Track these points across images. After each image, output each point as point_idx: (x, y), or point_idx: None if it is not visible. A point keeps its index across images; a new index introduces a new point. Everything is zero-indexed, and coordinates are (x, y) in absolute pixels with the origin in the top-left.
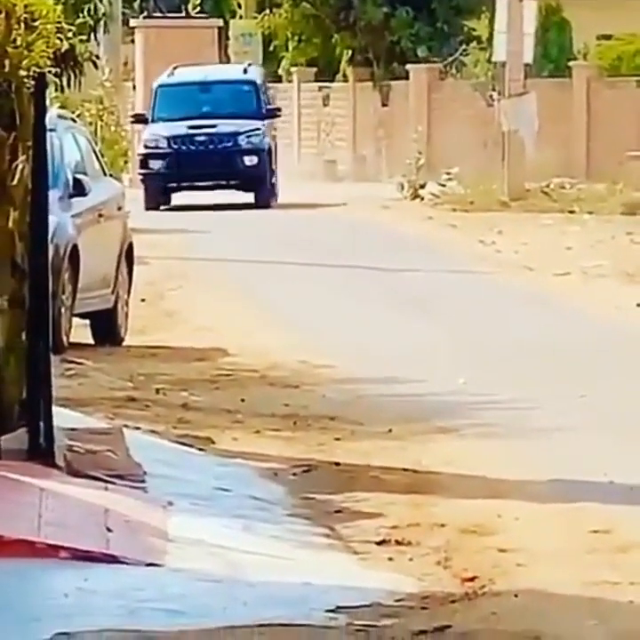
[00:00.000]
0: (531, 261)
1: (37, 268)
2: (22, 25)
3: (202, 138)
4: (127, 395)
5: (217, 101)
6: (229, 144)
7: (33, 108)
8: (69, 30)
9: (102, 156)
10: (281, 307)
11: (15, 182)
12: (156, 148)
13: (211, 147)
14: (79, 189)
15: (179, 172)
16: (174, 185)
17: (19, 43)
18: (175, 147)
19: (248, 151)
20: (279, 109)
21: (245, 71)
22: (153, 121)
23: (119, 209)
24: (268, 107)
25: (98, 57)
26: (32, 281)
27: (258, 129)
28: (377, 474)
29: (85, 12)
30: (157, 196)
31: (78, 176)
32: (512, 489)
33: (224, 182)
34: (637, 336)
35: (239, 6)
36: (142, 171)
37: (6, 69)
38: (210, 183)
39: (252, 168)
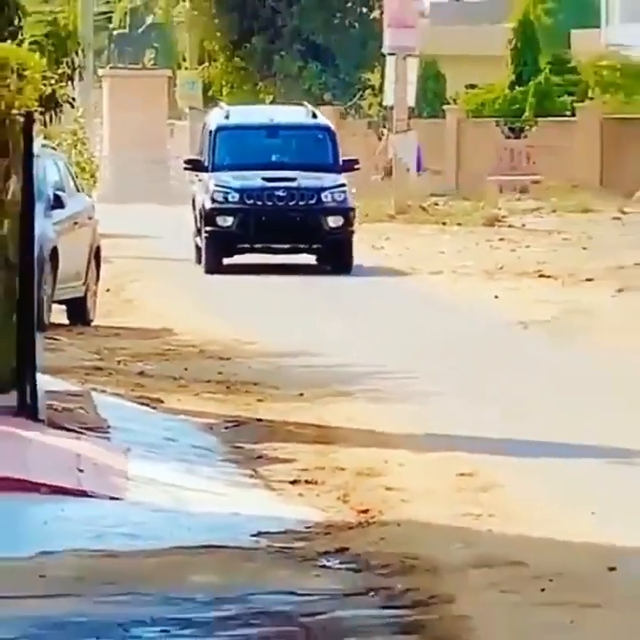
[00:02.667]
0: (412, 262)
1: (25, 265)
2: (15, 74)
3: (281, 193)
4: (94, 365)
5: (287, 149)
6: (312, 201)
7: (22, 139)
8: (52, 78)
9: (76, 176)
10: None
11: (8, 197)
12: (226, 201)
13: (291, 203)
14: (58, 203)
15: (253, 231)
16: (246, 246)
17: (12, 88)
18: (249, 202)
19: (333, 210)
20: (357, 162)
21: (315, 115)
22: (214, 169)
23: (90, 218)
24: (345, 158)
25: (74, 99)
26: (21, 275)
27: (343, 185)
28: (291, 428)
29: (64, 64)
30: (223, 257)
31: (57, 192)
32: (396, 441)
33: (304, 245)
34: (495, 322)
35: (184, 59)
36: (208, 228)
37: (2, 108)
38: (287, 246)
39: (337, 230)
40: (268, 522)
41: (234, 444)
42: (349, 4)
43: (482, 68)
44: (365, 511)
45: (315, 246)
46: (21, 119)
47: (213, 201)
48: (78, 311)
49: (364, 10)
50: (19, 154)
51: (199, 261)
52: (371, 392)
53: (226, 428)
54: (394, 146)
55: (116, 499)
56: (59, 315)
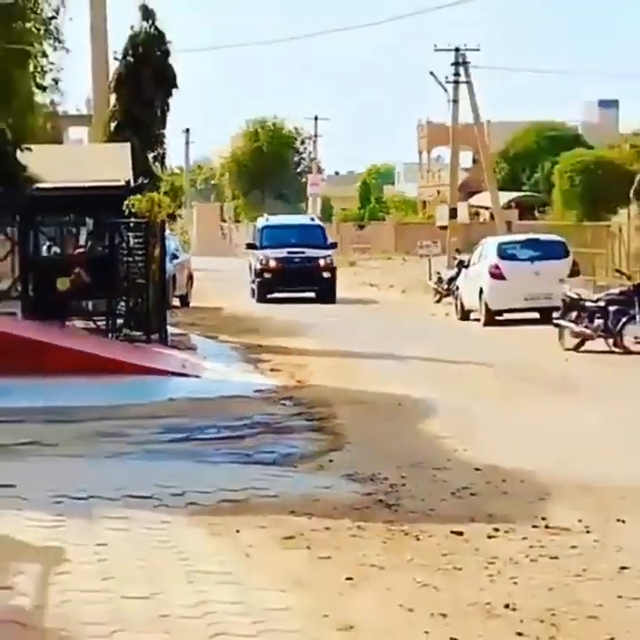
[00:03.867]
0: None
1: (163, 282)
2: (157, 206)
3: (296, 260)
4: (190, 322)
5: (300, 236)
6: (313, 264)
7: (161, 230)
8: (172, 206)
9: (183, 246)
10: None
11: (156, 254)
12: (267, 265)
13: (302, 265)
14: (175, 256)
15: (281, 280)
16: (279, 288)
17: (160, 212)
18: (280, 265)
19: (325, 269)
20: (336, 244)
21: (313, 219)
22: (261, 247)
23: (188, 262)
24: (331, 241)
25: (181, 216)
26: (161, 285)
27: (330, 256)
28: (272, 349)
29: (177, 202)
30: (266, 294)
31: (175, 252)
32: (316, 353)
33: (308, 288)
34: (358, 303)
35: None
36: (257, 279)
37: (156, 219)
38: (300, 288)
39: (327, 280)
40: (259, 385)
41: (247, 355)
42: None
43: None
44: (300, 381)
45: (315, 288)
46: (160, 222)
47: (261, 264)
48: (184, 300)
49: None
50: (160, 236)
51: (252, 296)
52: (308, 335)
53: (244, 348)
54: None
55: (198, 377)
56: (176, 302)
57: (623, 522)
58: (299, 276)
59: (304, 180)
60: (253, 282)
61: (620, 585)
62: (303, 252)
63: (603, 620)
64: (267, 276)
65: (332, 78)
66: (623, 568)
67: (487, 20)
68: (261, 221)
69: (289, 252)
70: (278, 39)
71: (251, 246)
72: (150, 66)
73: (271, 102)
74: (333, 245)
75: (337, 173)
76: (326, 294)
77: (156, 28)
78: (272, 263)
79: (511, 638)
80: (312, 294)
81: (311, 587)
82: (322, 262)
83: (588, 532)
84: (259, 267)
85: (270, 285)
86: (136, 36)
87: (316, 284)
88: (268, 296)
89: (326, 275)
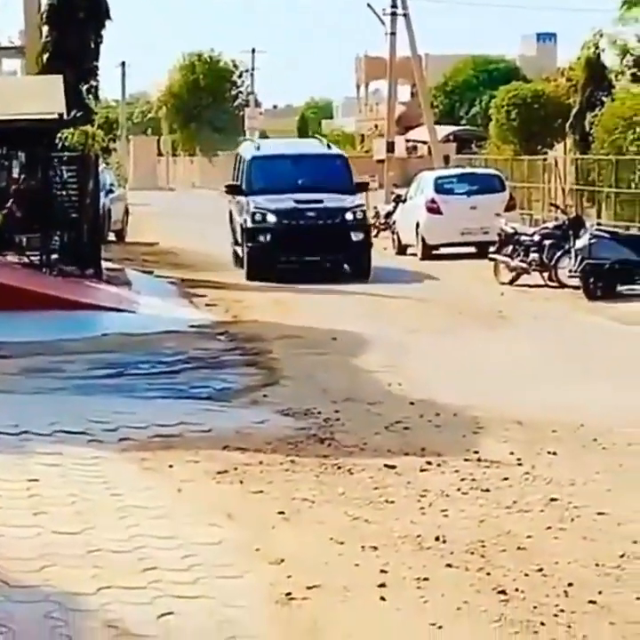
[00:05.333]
0: None
1: (96, 216)
2: (91, 138)
3: (310, 213)
4: (125, 257)
5: (311, 175)
6: (337, 220)
7: (95, 164)
8: (108, 140)
9: (118, 180)
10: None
11: (91, 188)
12: (264, 221)
13: (319, 222)
14: (111, 191)
15: (288, 245)
16: (283, 258)
17: (93, 146)
18: (285, 222)
19: (355, 227)
20: (367, 184)
21: (329, 146)
22: (250, 192)
23: (124, 196)
24: (357, 180)
25: (116, 149)
26: (94, 219)
27: (362, 205)
28: (204, 282)
29: (112, 134)
30: (263, 268)
31: (110, 186)
32: (251, 289)
33: (329, 255)
34: None
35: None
36: (249, 244)
37: (89, 152)
38: (317, 256)
39: (359, 244)
40: (195, 320)
41: (182, 289)
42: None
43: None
44: (235, 316)
45: (339, 255)
46: (94, 155)
47: (254, 221)
48: (119, 235)
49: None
50: (94, 171)
51: (237, 265)
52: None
53: (180, 281)
54: None
55: (133, 312)
56: (111, 236)
57: (555, 454)
58: (315, 239)
59: (242, 113)
60: (239, 245)
61: (550, 516)
62: (320, 201)
63: (531, 551)
64: (263, 238)
65: (269, 10)
66: (553, 499)
67: None
68: (248, 149)
69: (296, 202)
70: None
71: (233, 190)
72: None
73: (209, 35)
74: (362, 187)
75: (275, 107)
76: (358, 264)
77: None
78: (271, 219)
79: (441, 570)
80: (332, 264)
81: (243, 521)
82: (349, 216)
83: (519, 464)
84: (250, 224)
85: (270, 254)
86: None
87: (341, 250)
88: (266, 271)
89: (357, 236)
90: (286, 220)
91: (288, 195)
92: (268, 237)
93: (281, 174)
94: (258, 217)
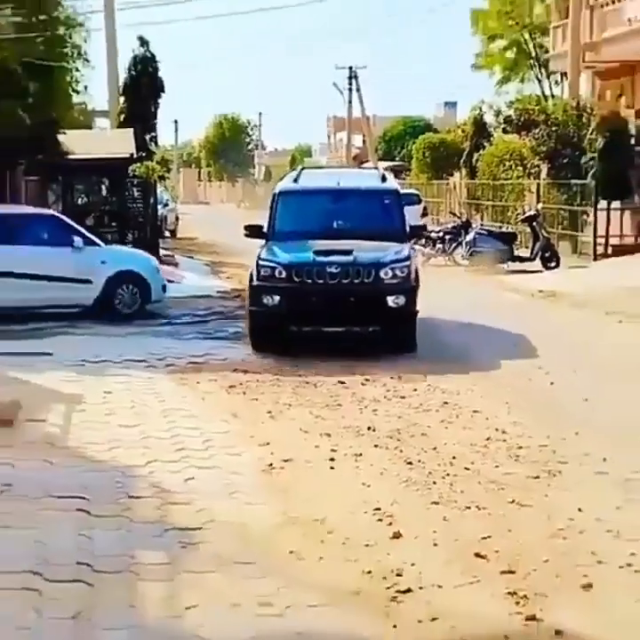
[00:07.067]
0: None
1: (155, 222)
2: (151, 170)
3: (333, 269)
4: (174, 247)
5: (351, 215)
6: (369, 280)
7: (154, 186)
8: (163, 171)
9: (172, 197)
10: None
11: (151, 202)
12: (273, 277)
13: (345, 282)
14: (166, 205)
15: (300, 312)
16: (293, 328)
17: (153, 175)
18: (297, 280)
19: (393, 289)
20: (424, 227)
21: (384, 179)
22: (274, 237)
23: (175, 208)
24: (413, 223)
25: (169, 177)
26: (153, 225)
27: (406, 259)
28: (230, 263)
29: (165, 167)
30: (268, 337)
31: (165, 201)
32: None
33: (357, 324)
34: None
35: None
36: (253, 307)
37: (151, 178)
38: (342, 328)
39: (397, 312)
40: (219, 287)
41: (213, 269)
42: None
43: (284, 169)
44: (240, 290)
45: (371, 329)
46: (153, 181)
47: (260, 278)
48: (172, 233)
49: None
50: (153, 191)
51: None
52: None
53: (208, 263)
54: None
55: (179, 283)
56: (167, 234)
57: (448, 374)
58: (337, 305)
59: (252, 153)
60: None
61: (442, 414)
62: (349, 253)
63: (430, 436)
64: (269, 301)
65: (271, 82)
66: (445, 403)
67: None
68: (285, 180)
69: (318, 253)
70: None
71: (254, 233)
72: (146, 77)
73: (232, 99)
74: (416, 232)
75: (275, 149)
76: (396, 338)
77: (150, 52)
78: (280, 276)
79: (371, 449)
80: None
81: (243, 418)
82: (386, 273)
83: (424, 381)
84: (254, 281)
85: (277, 322)
86: (136, 58)
87: (373, 320)
88: (271, 341)
89: (397, 300)
90: (299, 278)
91: (314, 242)
92: (276, 300)
93: (313, 214)
94: (264, 272)
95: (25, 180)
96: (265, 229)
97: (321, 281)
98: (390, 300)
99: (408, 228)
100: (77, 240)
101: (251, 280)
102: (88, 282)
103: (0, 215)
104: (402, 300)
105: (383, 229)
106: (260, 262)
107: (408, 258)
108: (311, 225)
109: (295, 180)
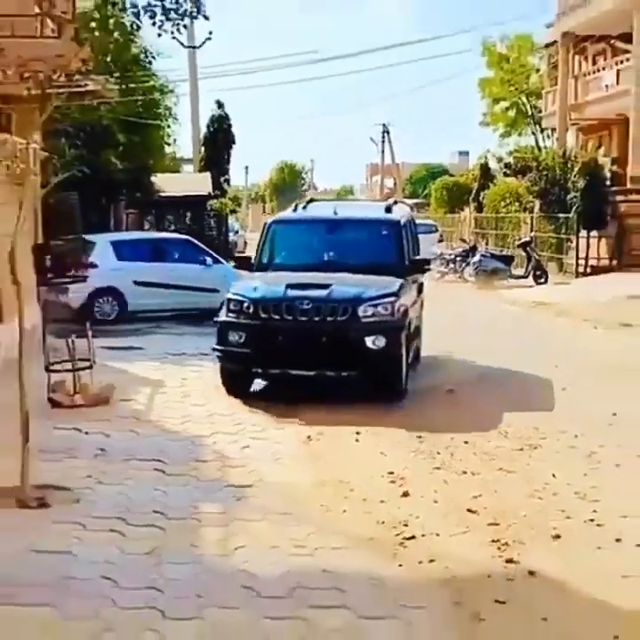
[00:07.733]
0: None
1: (227, 245)
2: (224, 206)
3: (305, 305)
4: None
5: (345, 246)
6: (345, 317)
7: (226, 217)
8: (234, 205)
9: (241, 225)
10: None
11: (224, 230)
12: (240, 312)
13: (316, 319)
14: (235, 232)
15: (267, 352)
16: (259, 370)
17: (226, 209)
18: (264, 316)
19: (372, 329)
20: (428, 262)
21: (388, 210)
22: (258, 269)
23: (244, 235)
24: (414, 257)
25: (239, 211)
26: (226, 247)
27: (391, 295)
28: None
29: (235, 202)
30: (236, 381)
31: (235, 228)
32: None
33: (333, 373)
34: None
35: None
36: (218, 346)
37: (222, 212)
38: (312, 373)
39: (377, 353)
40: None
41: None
42: None
43: None
44: None
45: (348, 373)
46: (226, 214)
47: (229, 311)
48: (240, 253)
49: (305, 193)
50: (225, 222)
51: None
52: None
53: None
54: None
55: None
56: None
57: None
58: (309, 346)
59: (306, 192)
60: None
61: (446, 403)
62: (326, 287)
63: (435, 418)
64: (233, 338)
65: (318, 134)
66: (449, 391)
67: (404, 104)
68: (285, 211)
69: (291, 287)
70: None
71: (242, 264)
72: (221, 132)
73: (289, 147)
74: (419, 266)
75: (325, 189)
76: (380, 383)
77: (224, 112)
78: (248, 311)
79: (389, 428)
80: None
81: (288, 400)
82: (365, 311)
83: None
84: (221, 318)
85: (240, 363)
86: (214, 117)
87: (349, 364)
88: (238, 385)
89: (377, 342)
90: (266, 314)
91: (295, 274)
92: (242, 338)
93: (303, 245)
94: (233, 306)
95: (125, 212)
96: (253, 261)
97: (290, 318)
98: (368, 341)
99: (411, 261)
100: (208, 260)
101: (218, 315)
102: (216, 291)
103: (149, 239)
104: (381, 341)
105: (379, 262)
106: (229, 296)
107: (395, 294)
108: (300, 257)
109: (294, 210)
